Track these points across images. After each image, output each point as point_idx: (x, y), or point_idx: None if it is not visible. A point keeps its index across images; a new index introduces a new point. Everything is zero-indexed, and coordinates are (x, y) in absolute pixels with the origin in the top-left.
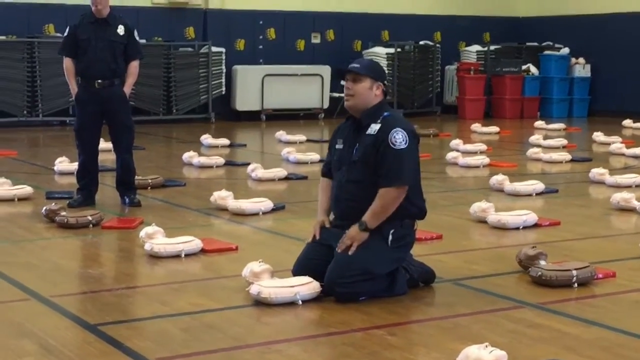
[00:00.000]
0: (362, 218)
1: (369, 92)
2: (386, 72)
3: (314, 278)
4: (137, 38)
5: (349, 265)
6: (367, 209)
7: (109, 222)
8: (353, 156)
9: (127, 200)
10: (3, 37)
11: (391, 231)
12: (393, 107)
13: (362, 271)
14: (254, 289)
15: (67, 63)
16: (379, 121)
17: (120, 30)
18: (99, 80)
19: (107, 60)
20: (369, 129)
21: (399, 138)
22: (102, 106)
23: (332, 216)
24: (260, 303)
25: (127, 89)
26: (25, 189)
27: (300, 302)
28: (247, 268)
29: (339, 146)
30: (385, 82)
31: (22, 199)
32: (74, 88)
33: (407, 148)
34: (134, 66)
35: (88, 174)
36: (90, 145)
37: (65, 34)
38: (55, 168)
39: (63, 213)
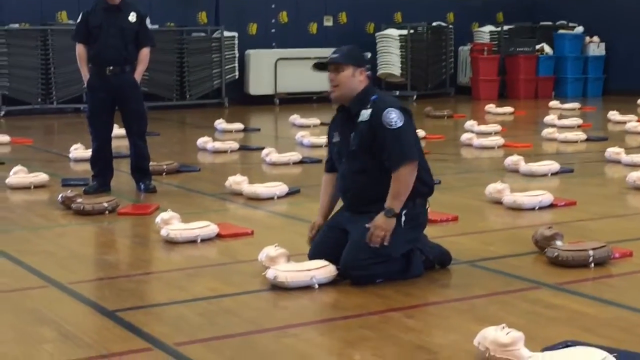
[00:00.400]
0: (386, 205)
1: (352, 80)
2: (398, 54)
3: (330, 262)
4: (149, 25)
5: (363, 248)
6: (375, 196)
7: (125, 209)
8: (351, 145)
9: (142, 186)
10: (16, 25)
11: (404, 212)
12: (407, 89)
13: (377, 253)
14: (270, 273)
15: (80, 49)
16: (368, 106)
17: (132, 17)
18: (110, 67)
19: (118, 47)
20: (361, 116)
21: (394, 117)
22: (113, 93)
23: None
24: (277, 287)
25: (138, 76)
26: (41, 177)
27: (316, 286)
28: (263, 252)
29: (335, 139)
30: (368, 65)
31: (38, 187)
32: (85, 74)
33: (404, 125)
34: (145, 53)
35: (101, 160)
36: (102, 131)
37: (78, 20)
38: (71, 155)
39: (79, 200)
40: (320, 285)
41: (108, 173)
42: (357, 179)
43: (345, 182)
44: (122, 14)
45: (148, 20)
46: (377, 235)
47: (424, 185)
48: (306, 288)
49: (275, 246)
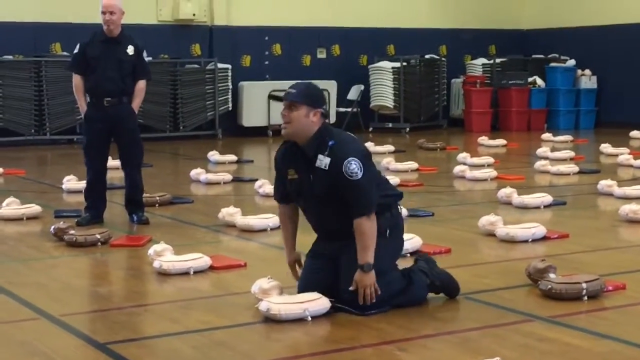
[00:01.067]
0: (359, 262)
1: (305, 120)
2: (391, 86)
3: (320, 292)
4: (146, 59)
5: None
6: (348, 225)
7: (118, 240)
8: (313, 190)
9: (135, 218)
10: (10, 57)
11: (388, 227)
12: (400, 121)
13: (375, 272)
14: (263, 306)
15: (76, 80)
16: (326, 153)
17: (130, 50)
18: (108, 98)
19: (116, 79)
20: (318, 162)
21: (354, 168)
22: (111, 124)
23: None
24: (270, 319)
25: (135, 109)
26: (34, 208)
27: (309, 318)
28: (256, 284)
29: (292, 176)
30: (325, 106)
31: (31, 218)
32: (82, 106)
33: (364, 174)
34: (141, 86)
35: (95, 192)
36: (98, 162)
37: (75, 51)
38: (64, 186)
39: (72, 231)
40: (313, 317)
41: (101, 204)
42: (325, 216)
43: (314, 219)
44: (120, 46)
45: (145, 54)
46: (367, 293)
47: (390, 196)
48: (299, 320)
49: (268, 278)
